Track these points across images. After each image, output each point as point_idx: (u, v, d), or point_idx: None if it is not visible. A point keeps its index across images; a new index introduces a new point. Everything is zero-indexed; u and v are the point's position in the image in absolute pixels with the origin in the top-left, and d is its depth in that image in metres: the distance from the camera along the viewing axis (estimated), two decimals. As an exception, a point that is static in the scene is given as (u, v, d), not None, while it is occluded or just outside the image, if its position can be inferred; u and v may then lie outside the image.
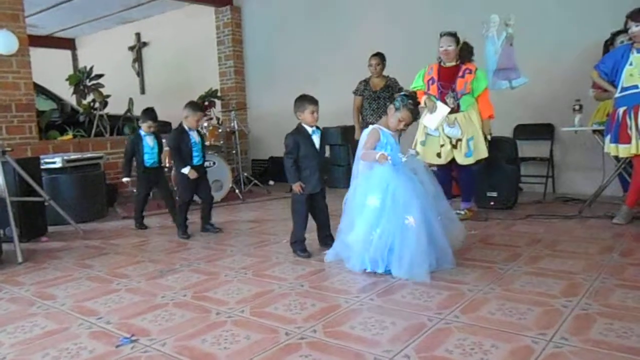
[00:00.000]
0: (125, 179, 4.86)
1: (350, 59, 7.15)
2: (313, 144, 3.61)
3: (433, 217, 3.08)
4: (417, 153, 3.53)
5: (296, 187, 3.60)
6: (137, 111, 8.05)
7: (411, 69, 4.99)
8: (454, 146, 4.52)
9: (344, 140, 7.22)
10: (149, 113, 4.83)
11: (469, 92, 4.45)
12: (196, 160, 4.47)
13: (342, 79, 6.63)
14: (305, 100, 3.61)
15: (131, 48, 10.99)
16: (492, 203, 5.17)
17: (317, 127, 3.66)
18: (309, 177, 3.62)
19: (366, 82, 5.72)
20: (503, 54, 4.84)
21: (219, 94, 8.81)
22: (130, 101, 7.84)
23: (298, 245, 3.67)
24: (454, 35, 4.50)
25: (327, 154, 7.26)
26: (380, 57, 5.60)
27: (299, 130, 3.62)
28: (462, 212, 4.74)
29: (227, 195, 6.45)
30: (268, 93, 8.64)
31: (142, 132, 4.82)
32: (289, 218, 3.79)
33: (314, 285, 2.96)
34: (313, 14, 8.02)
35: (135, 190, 5.10)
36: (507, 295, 2.66)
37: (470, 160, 4.51)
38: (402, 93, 3.36)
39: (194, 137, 4.47)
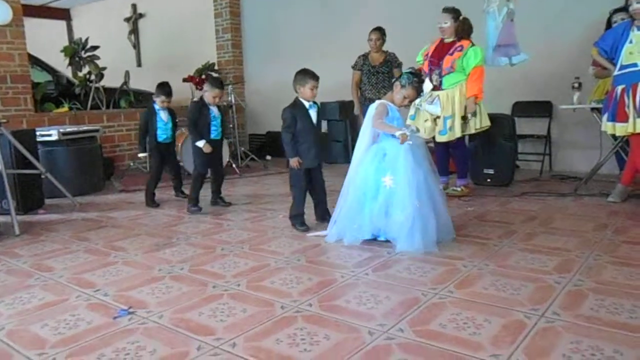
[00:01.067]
0: (141, 154, 4.81)
1: (350, 33, 7.07)
2: (310, 119, 3.63)
3: (436, 190, 3.21)
4: (417, 130, 3.55)
5: (294, 161, 3.62)
6: (133, 84, 8.03)
7: (412, 44, 4.97)
8: (434, 123, 4.57)
9: (342, 116, 7.20)
10: (163, 87, 4.73)
11: (454, 70, 4.43)
12: (214, 135, 4.45)
13: (341, 54, 6.58)
14: (307, 75, 3.60)
15: (127, 19, 10.84)
16: (488, 180, 5.19)
17: (314, 102, 3.68)
18: (306, 151, 3.63)
19: (365, 56, 5.68)
20: (503, 30, 4.79)
21: (216, 67, 8.74)
22: (127, 74, 7.78)
23: (297, 218, 3.70)
24: (450, 11, 4.48)
25: (325, 129, 7.26)
26: (380, 31, 5.55)
27: (296, 105, 3.63)
28: (459, 189, 4.77)
29: (224, 170, 6.44)
30: (266, 67, 8.57)
31: (156, 107, 4.75)
32: (286, 193, 3.81)
33: (310, 260, 2.99)
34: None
35: (147, 166, 5.10)
36: (501, 271, 2.69)
37: (443, 138, 4.53)
38: (408, 70, 3.37)
39: (214, 111, 4.44)
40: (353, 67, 5.75)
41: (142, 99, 7.87)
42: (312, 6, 7.95)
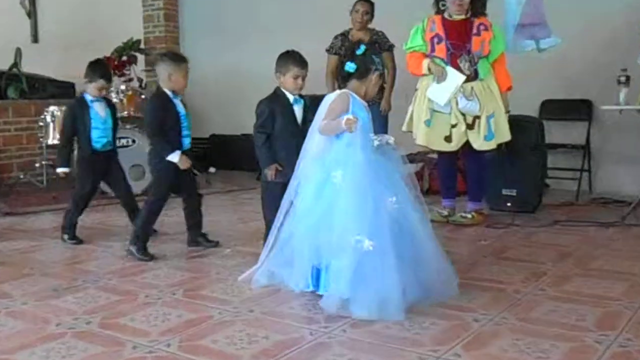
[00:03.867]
0: (61, 170, 4.49)
1: (323, 6, 7.15)
2: (294, 117, 3.69)
3: (419, 227, 3.08)
4: (394, 144, 3.46)
5: (271, 171, 3.65)
6: (26, 66, 7.90)
7: (405, 22, 5.02)
8: (470, 126, 4.59)
9: (314, 114, 7.21)
10: (99, 67, 4.47)
11: (486, 55, 4.55)
12: (187, 142, 4.15)
13: (312, 32, 6.61)
14: (290, 59, 3.66)
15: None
16: (508, 204, 5.24)
17: (301, 96, 3.72)
18: (285, 159, 3.64)
19: (344, 36, 5.73)
20: (529, 4, 4.89)
21: (142, 45, 8.70)
22: (18, 52, 7.66)
23: None
24: None
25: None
26: (369, 4, 5.63)
27: (277, 97, 3.69)
28: (469, 215, 4.83)
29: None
30: (211, 48, 8.55)
31: (88, 97, 4.44)
32: (237, 219, 3.80)
33: (267, 311, 2.97)
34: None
35: (75, 184, 4.61)
36: (524, 327, 2.71)
37: (491, 145, 4.62)
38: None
39: (180, 106, 4.13)
40: (328, 51, 5.79)
41: (38, 86, 7.74)
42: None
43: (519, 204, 5.23)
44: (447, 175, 4.88)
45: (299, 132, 3.63)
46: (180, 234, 4.62)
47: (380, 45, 5.61)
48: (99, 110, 4.47)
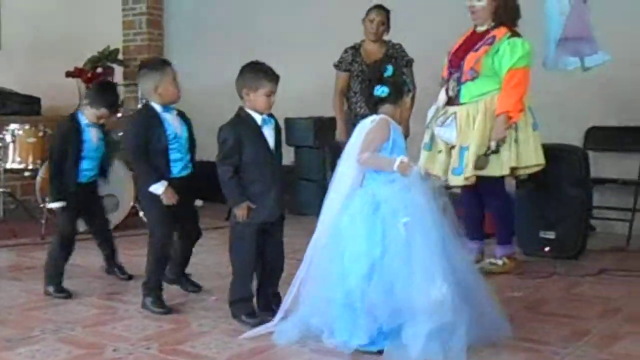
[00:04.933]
0: (57, 205, 4.32)
1: (328, 15, 7.22)
2: (265, 142, 3.63)
3: (464, 264, 3.25)
4: (427, 173, 3.58)
5: (240, 211, 3.58)
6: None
7: (424, 32, 5.05)
8: (450, 155, 4.66)
9: (318, 141, 7.24)
10: (109, 96, 4.47)
11: (479, 74, 4.55)
12: (177, 168, 4.07)
13: (315, 45, 6.67)
14: (260, 72, 3.62)
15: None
16: (546, 249, 5.19)
17: (270, 115, 3.68)
18: (260, 195, 3.61)
19: (356, 49, 5.75)
20: (573, 15, 4.90)
21: (120, 56, 8.76)
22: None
23: (242, 305, 3.65)
24: None
25: (289, 160, 7.26)
26: (385, 12, 5.66)
27: (242, 120, 3.63)
28: (499, 262, 4.82)
29: (126, 220, 6.40)
30: (199, 60, 8.58)
31: (82, 121, 4.36)
32: (226, 262, 3.77)
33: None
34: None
35: (56, 223, 4.49)
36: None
37: (457, 181, 4.59)
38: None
39: (172, 123, 4.04)
40: (336, 66, 5.82)
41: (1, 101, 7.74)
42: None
43: (558, 249, 5.20)
44: (469, 212, 4.84)
45: (272, 159, 3.65)
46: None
47: (397, 60, 5.62)
48: (92, 137, 4.38)
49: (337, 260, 3.23)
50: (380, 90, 3.30)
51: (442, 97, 4.51)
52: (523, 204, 5.01)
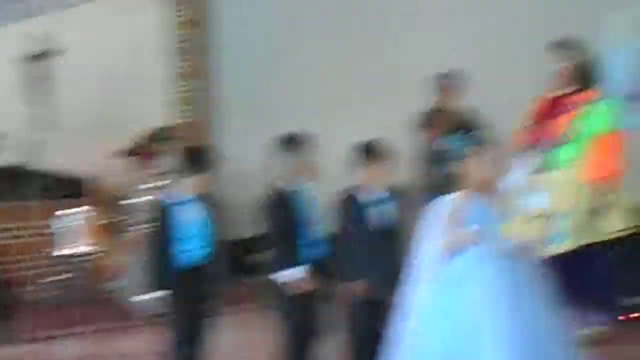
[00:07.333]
0: (155, 295, 3.98)
1: (394, 77, 7.30)
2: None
3: (560, 339, 3.27)
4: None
5: (359, 287, 3.74)
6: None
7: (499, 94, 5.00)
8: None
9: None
10: (201, 157, 4.18)
11: (569, 140, 4.55)
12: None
13: (382, 108, 6.67)
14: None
15: (34, 57, 10.98)
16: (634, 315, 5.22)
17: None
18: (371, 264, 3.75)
19: (430, 117, 5.85)
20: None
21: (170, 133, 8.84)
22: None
23: None
24: (563, 46, 4.63)
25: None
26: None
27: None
28: (590, 332, 4.66)
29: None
30: (253, 132, 8.56)
31: (176, 194, 4.07)
32: (239, 344, 3.63)
33: None
34: (333, 10, 8.16)
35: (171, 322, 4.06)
36: None
37: (556, 250, 4.48)
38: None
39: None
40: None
41: (47, 184, 7.70)
42: (329, 37, 8.14)
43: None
44: (565, 282, 4.77)
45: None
46: None
47: (473, 128, 5.66)
48: (188, 213, 4.03)
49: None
50: None
51: (527, 167, 4.54)
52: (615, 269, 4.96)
